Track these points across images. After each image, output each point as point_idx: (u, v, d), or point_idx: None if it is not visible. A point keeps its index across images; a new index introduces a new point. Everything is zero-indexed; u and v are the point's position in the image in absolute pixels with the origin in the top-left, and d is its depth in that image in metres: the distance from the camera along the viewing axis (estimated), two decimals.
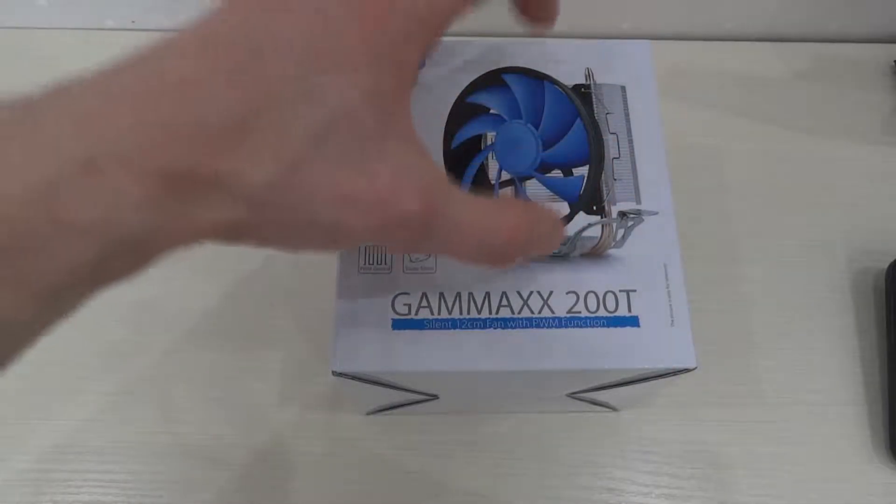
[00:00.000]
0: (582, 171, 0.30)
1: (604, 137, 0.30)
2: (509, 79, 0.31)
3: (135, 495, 0.38)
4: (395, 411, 0.39)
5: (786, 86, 0.50)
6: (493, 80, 0.31)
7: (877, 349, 0.42)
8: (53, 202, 0.15)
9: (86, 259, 0.16)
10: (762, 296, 0.43)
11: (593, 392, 0.33)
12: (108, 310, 0.42)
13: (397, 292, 0.28)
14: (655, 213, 0.29)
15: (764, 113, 0.49)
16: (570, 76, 0.31)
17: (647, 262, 0.28)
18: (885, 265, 0.43)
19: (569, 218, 0.29)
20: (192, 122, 0.16)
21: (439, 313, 0.27)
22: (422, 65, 0.32)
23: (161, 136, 0.16)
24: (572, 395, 0.34)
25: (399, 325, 0.27)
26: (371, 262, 0.28)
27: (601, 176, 0.30)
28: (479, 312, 0.27)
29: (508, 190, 0.30)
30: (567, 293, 0.28)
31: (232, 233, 0.18)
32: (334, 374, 0.27)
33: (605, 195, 0.29)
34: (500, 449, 0.39)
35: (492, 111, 0.31)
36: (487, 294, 0.28)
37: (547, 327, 0.27)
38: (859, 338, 0.42)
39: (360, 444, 0.39)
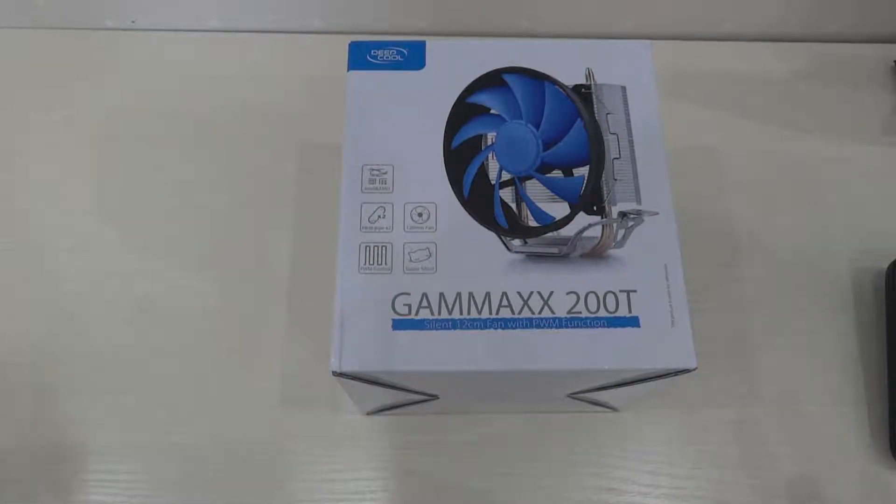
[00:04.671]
0: (582, 171, 0.30)
1: (604, 138, 0.30)
2: (509, 79, 0.31)
3: (135, 495, 0.38)
4: (395, 411, 0.39)
5: (786, 86, 0.50)
6: (493, 80, 0.31)
7: (877, 349, 0.42)
8: None
9: None
10: (762, 296, 0.43)
11: (593, 392, 0.33)
12: (108, 310, 0.42)
13: (397, 292, 0.28)
14: (655, 214, 0.29)
15: (764, 113, 0.49)
16: (570, 76, 0.31)
17: (647, 262, 0.28)
18: (885, 265, 0.43)
19: (569, 218, 0.29)
20: None
21: (439, 313, 0.27)
22: (421, 65, 0.32)
23: None
24: (572, 396, 0.34)
25: (399, 325, 0.27)
26: (371, 262, 0.28)
27: (601, 176, 0.30)
28: (479, 312, 0.27)
29: (509, 190, 0.30)
30: (567, 293, 0.28)
31: None
32: (334, 374, 0.27)
33: (605, 195, 0.29)
34: (500, 449, 0.39)
35: (492, 111, 0.31)
36: (487, 294, 0.28)
37: (547, 327, 0.27)
38: (859, 338, 0.42)
39: (360, 444, 0.39)
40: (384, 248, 0.29)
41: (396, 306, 0.28)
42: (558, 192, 0.29)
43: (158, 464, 0.39)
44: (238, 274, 0.43)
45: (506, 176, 0.30)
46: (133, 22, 0.51)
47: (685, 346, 0.27)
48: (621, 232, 0.29)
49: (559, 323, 0.27)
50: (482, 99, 0.31)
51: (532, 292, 0.28)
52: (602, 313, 0.28)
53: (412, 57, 0.32)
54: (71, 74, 0.49)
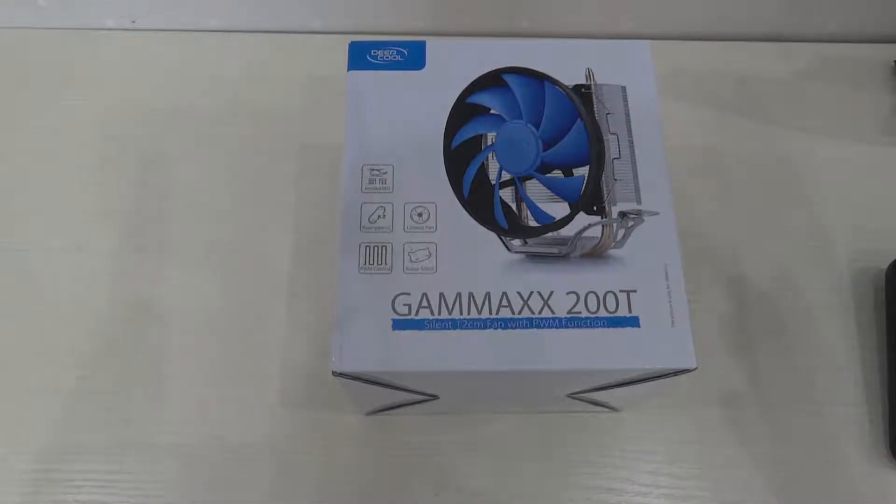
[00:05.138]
0: (582, 171, 0.30)
1: (604, 137, 0.30)
2: (509, 79, 0.31)
3: (135, 495, 0.38)
4: (395, 411, 0.39)
5: (786, 86, 0.50)
6: (493, 80, 0.31)
7: (877, 349, 0.42)
8: None
9: None
10: (762, 296, 0.43)
11: (593, 392, 0.33)
12: (107, 309, 0.42)
13: (397, 292, 0.28)
14: (655, 214, 0.29)
15: (764, 113, 0.49)
16: (570, 76, 0.31)
17: (647, 262, 0.28)
18: (885, 265, 0.43)
19: (569, 218, 0.29)
20: None
21: (439, 313, 0.27)
22: (421, 65, 0.32)
23: None
24: (572, 396, 0.34)
25: (399, 325, 0.27)
26: (371, 262, 0.28)
27: (601, 176, 0.30)
28: (479, 312, 0.27)
29: (509, 190, 0.30)
30: (567, 293, 0.28)
31: None
32: (334, 374, 0.27)
33: (605, 195, 0.29)
34: (500, 449, 0.39)
35: (492, 111, 0.31)
36: (487, 294, 0.28)
37: (547, 327, 0.27)
38: (859, 338, 0.42)
39: (360, 444, 0.39)
40: (384, 248, 0.29)
41: (396, 306, 0.28)
42: (558, 192, 0.29)
43: (158, 464, 0.39)
44: (238, 274, 0.43)
45: (506, 176, 0.30)
46: (133, 22, 0.51)
47: (685, 346, 0.27)
48: (621, 232, 0.29)
49: (559, 323, 0.27)
50: (482, 99, 0.31)
51: (532, 292, 0.28)
52: (602, 313, 0.28)
53: (412, 57, 0.32)
54: (71, 74, 0.49)
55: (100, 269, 0.43)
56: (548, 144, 0.30)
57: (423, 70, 0.32)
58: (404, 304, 0.28)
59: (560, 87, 0.31)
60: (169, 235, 0.44)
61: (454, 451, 0.39)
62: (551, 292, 0.28)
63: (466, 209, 0.29)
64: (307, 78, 0.49)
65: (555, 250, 0.29)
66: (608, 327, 0.27)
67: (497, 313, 0.27)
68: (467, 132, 0.30)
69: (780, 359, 0.42)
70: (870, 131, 0.48)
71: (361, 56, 0.32)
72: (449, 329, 0.27)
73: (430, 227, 0.29)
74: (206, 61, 0.50)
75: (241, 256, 0.43)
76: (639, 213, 0.29)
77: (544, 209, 0.29)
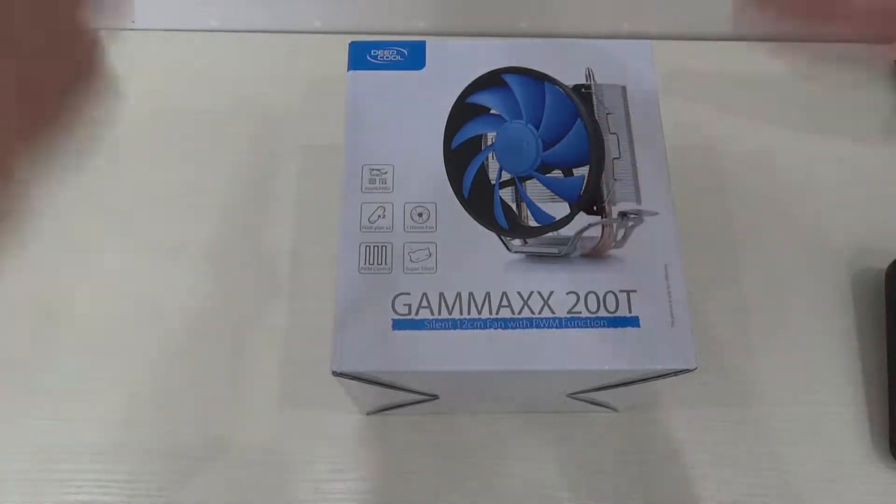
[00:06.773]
0: (582, 171, 0.30)
1: (604, 137, 0.30)
2: (509, 79, 0.31)
3: (135, 495, 0.38)
4: (395, 411, 0.39)
5: (786, 86, 0.50)
6: (493, 80, 0.31)
7: (877, 349, 0.42)
8: None
9: None
10: (762, 296, 0.43)
11: (593, 392, 0.33)
12: (107, 309, 0.42)
13: (397, 292, 0.28)
14: (655, 214, 0.29)
15: (764, 113, 0.49)
16: (570, 76, 0.31)
17: (647, 262, 0.28)
18: (885, 265, 0.43)
19: (569, 218, 0.29)
20: None
21: (439, 313, 0.27)
22: (421, 65, 0.32)
23: None
24: (572, 396, 0.34)
25: (399, 325, 0.27)
26: (371, 262, 0.28)
27: (601, 176, 0.30)
28: (479, 312, 0.27)
29: (509, 190, 0.30)
30: (567, 293, 0.28)
31: None
32: (334, 374, 0.27)
33: (605, 195, 0.29)
34: (500, 449, 0.39)
35: (492, 111, 0.31)
36: (487, 294, 0.28)
37: (547, 327, 0.27)
38: (859, 338, 0.42)
39: (360, 444, 0.39)
40: (384, 248, 0.29)
41: (396, 306, 0.28)
42: (558, 192, 0.29)
43: (158, 464, 0.39)
44: (238, 273, 0.43)
45: (506, 176, 0.30)
46: (133, 22, 0.51)
47: (685, 347, 0.27)
48: (621, 232, 0.29)
49: (559, 323, 0.27)
50: (482, 99, 0.31)
51: (532, 292, 0.28)
52: (602, 313, 0.28)
53: (412, 57, 0.32)
54: None
55: (100, 269, 0.43)
56: (548, 144, 0.30)
57: (423, 70, 0.32)
58: (404, 304, 0.28)
59: (560, 87, 0.31)
60: (169, 235, 0.44)
61: (454, 451, 0.39)
62: (551, 292, 0.28)
63: (466, 209, 0.29)
64: (307, 78, 0.49)
65: (555, 250, 0.29)
66: (608, 327, 0.27)
67: (497, 313, 0.27)
68: (467, 132, 0.30)
69: (780, 359, 0.42)
70: (870, 131, 0.48)
71: (361, 56, 0.32)
72: (449, 329, 0.27)
73: (430, 227, 0.29)
74: (206, 61, 0.50)
75: (241, 256, 0.43)
76: (639, 213, 0.29)
77: (544, 209, 0.29)
